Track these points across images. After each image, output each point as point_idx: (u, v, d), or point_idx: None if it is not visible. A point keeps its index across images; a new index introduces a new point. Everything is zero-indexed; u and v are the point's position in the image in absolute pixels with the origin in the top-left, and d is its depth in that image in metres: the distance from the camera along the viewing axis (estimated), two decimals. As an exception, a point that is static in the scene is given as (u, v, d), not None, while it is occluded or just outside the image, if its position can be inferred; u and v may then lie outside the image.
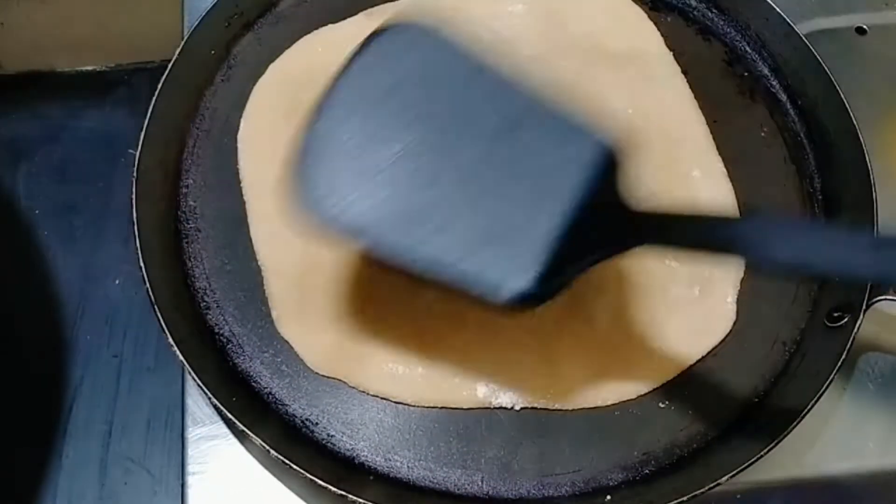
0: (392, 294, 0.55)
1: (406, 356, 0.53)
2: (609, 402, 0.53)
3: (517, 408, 0.52)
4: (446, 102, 0.45)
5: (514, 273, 0.42)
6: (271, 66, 0.63)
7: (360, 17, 0.65)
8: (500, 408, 0.52)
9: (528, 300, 0.43)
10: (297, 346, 0.54)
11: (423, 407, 0.53)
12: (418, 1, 0.66)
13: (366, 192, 0.43)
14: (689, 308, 0.56)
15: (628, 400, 0.53)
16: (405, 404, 0.53)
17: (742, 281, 0.57)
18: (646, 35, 0.65)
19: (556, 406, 0.53)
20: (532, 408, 0.53)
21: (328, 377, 0.53)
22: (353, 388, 0.53)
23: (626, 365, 0.54)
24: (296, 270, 0.56)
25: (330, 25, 0.64)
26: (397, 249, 0.43)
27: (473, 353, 0.54)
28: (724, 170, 0.60)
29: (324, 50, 0.63)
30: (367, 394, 0.53)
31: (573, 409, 0.53)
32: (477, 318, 0.54)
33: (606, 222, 0.44)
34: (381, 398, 0.53)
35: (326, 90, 0.46)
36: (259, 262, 0.56)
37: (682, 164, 0.60)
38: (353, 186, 0.43)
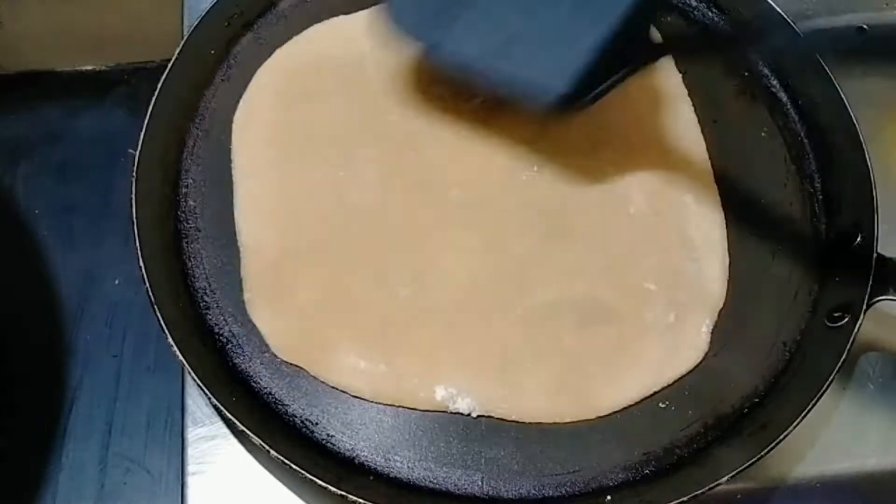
0: (364, 287, 0.55)
1: (370, 351, 0.53)
2: (566, 420, 0.52)
3: (474, 414, 0.52)
4: None
5: (554, 76, 0.51)
6: (278, 51, 0.63)
7: (373, 10, 0.65)
8: (457, 413, 0.52)
9: (564, 103, 0.51)
10: (263, 329, 0.54)
11: (381, 404, 0.52)
12: None
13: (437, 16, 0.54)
14: (661, 334, 0.55)
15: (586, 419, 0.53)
16: (363, 399, 0.52)
17: (733, 291, 0.57)
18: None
19: (513, 417, 0.52)
20: (488, 416, 0.52)
21: (290, 363, 0.53)
22: (314, 377, 0.53)
23: (587, 385, 0.53)
24: (273, 254, 0.56)
25: (341, 16, 0.65)
26: (456, 55, 0.54)
27: (436, 355, 0.53)
28: (719, 199, 0.59)
29: (332, 40, 0.63)
30: (327, 385, 0.53)
31: (529, 423, 0.52)
32: (444, 319, 0.54)
33: (634, 44, 0.54)
34: (340, 390, 0.52)
35: None
36: (239, 243, 0.56)
37: (675, 188, 0.59)
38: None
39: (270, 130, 0.60)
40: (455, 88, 0.61)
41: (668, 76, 0.64)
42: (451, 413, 0.52)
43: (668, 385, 0.54)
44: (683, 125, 0.62)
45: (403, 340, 0.54)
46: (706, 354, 0.55)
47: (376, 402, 0.52)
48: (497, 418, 0.52)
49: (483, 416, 0.52)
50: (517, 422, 0.52)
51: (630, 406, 0.53)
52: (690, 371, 0.54)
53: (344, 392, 0.53)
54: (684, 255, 0.57)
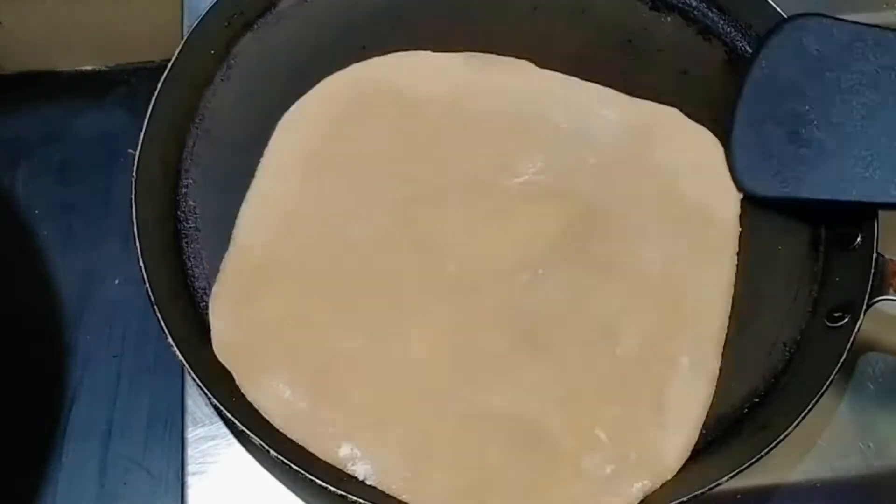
0: (326, 322, 0.54)
1: (300, 386, 0.52)
2: None
3: (367, 482, 0.49)
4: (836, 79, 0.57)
5: None
6: (351, 67, 0.62)
7: (460, 57, 0.63)
8: (351, 476, 0.49)
9: None
10: (213, 322, 0.53)
11: (286, 436, 0.50)
12: (510, 71, 0.63)
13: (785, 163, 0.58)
14: (589, 483, 0.50)
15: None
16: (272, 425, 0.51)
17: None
18: (724, 200, 0.59)
19: (403, 497, 0.49)
20: (380, 490, 0.49)
21: (221, 363, 0.52)
22: (237, 385, 0.52)
23: None
24: (257, 258, 0.55)
25: (430, 52, 0.63)
26: (813, 195, 0.57)
27: (360, 413, 0.51)
28: (717, 371, 0.54)
29: (411, 72, 0.62)
30: (245, 397, 0.51)
31: None
32: (386, 385, 0.52)
33: None
34: (255, 406, 0.51)
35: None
36: (232, 236, 0.56)
37: (675, 345, 0.54)
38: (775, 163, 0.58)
39: (310, 140, 0.59)
40: (504, 159, 0.59)
41: (722, 224, 0.58)
42: (345, 473, 0.50)
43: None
44: (715, 282, 0.56)
45: (336, 388, 0.52)
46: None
47: (282, 431, 0.50)
48: (388, 494, 0.49)
49: (374, 486, 0.49)
50: None
51: None
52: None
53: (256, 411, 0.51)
54: (651, 417, 0.52)
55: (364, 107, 0.61)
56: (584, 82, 0.63)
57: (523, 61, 0.63)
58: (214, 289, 0.54)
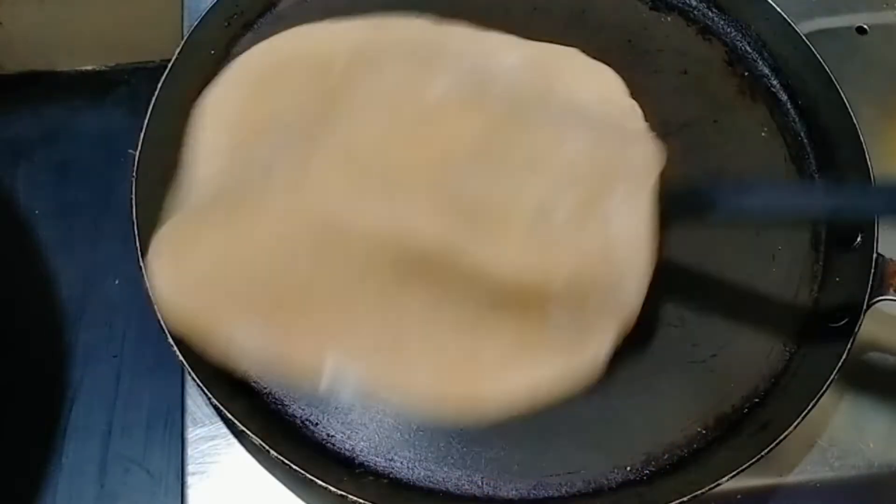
0: (269, 258, 0.52)
1: (259, 327, 0.50)
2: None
3: (357, 395, 0.50)
4: None
5: None
6: (259, 45, 0.61)
7: (359, 20, 0.63)
8: (351, 476, 0.50)
9: None
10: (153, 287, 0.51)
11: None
12: (410, 25, 0.63)
13: None
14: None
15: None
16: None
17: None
18: (631, 119, 0.60)
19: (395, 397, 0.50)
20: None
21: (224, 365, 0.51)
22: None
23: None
24: (188, 221, 0.53)
25: (334, 20, 0.63)
26: None
27: (327, 330, 0.50)
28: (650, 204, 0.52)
29: (317, 40, 0.62)
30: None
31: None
32: (341, 296, 0.51)
33: None
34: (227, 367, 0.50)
35: None
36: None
37: (611, 197, 0.53)
38: None
39: (229, 118, 0.58)
40: (415, 84, 0.58)
41: (637, 129, 0.58)
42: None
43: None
44: (642, 156, 0.55)
45: (295, 317, 0.50)
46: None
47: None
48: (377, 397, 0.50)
49: (363, 391, 0.49)
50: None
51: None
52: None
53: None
54: (602, 254, 0.51)
55: (272, 78, 0.60)
56: (484, 31, 0.63)
57: (422, 20, 0.63)
58: (147, 258, 0.52)
